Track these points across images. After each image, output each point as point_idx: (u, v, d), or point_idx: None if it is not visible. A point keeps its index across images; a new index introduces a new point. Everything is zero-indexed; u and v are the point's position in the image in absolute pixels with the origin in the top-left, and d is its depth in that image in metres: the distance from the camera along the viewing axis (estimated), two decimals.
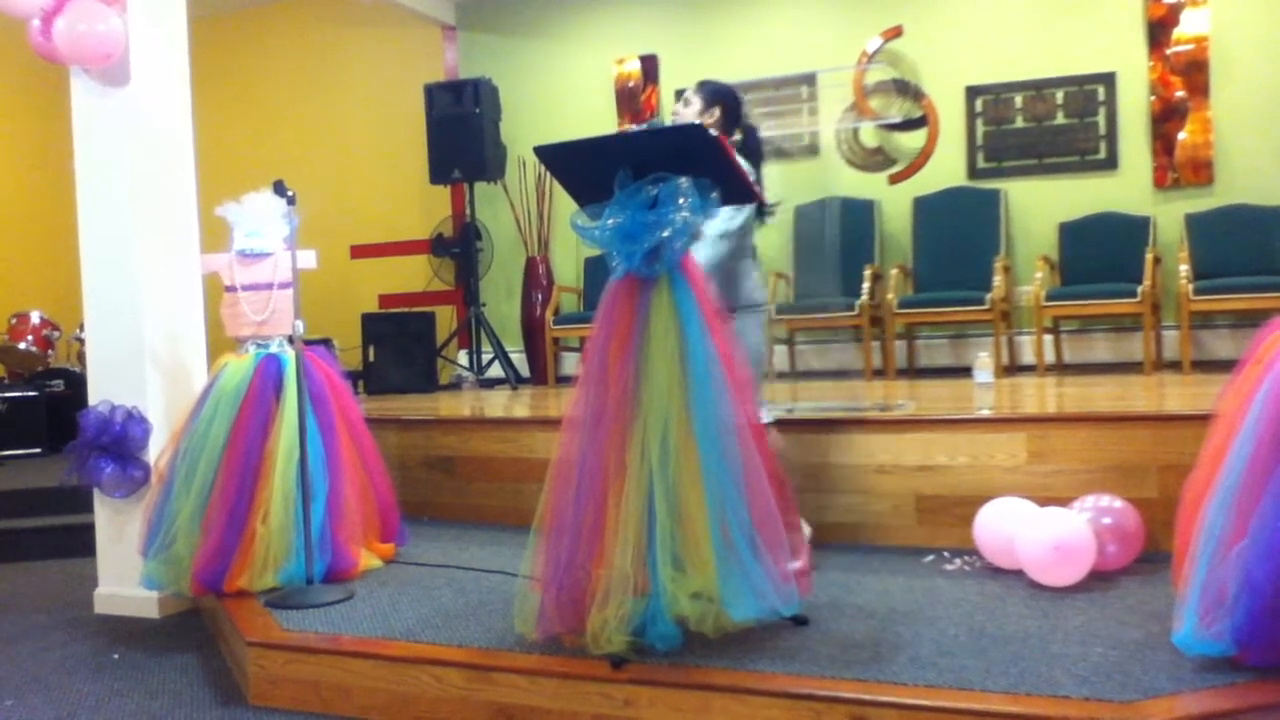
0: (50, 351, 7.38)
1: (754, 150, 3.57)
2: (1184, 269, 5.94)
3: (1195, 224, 6.22)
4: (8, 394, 6.93)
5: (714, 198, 2.87)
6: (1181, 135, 6.40)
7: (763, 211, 3.53)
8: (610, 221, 2.83)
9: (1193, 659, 2.46)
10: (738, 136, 3.58)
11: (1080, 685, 2.42)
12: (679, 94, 3.72)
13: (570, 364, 7.50)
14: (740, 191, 3.05)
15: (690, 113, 3.57)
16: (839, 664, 2.64)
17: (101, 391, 4.08)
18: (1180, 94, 6.39)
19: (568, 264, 7.80)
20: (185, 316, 4.25)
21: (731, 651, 2.70)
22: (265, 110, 8.76)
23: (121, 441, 3.97)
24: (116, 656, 3.59)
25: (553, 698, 2.72)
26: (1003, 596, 3.22)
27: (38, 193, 7.78)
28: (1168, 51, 6.41)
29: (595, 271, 7.35)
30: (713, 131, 2.93)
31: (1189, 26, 6.36)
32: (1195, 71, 6.35)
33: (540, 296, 7.70)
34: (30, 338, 7.26)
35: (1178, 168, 6.42)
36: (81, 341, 6.88)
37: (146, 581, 3.84)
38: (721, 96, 3.59)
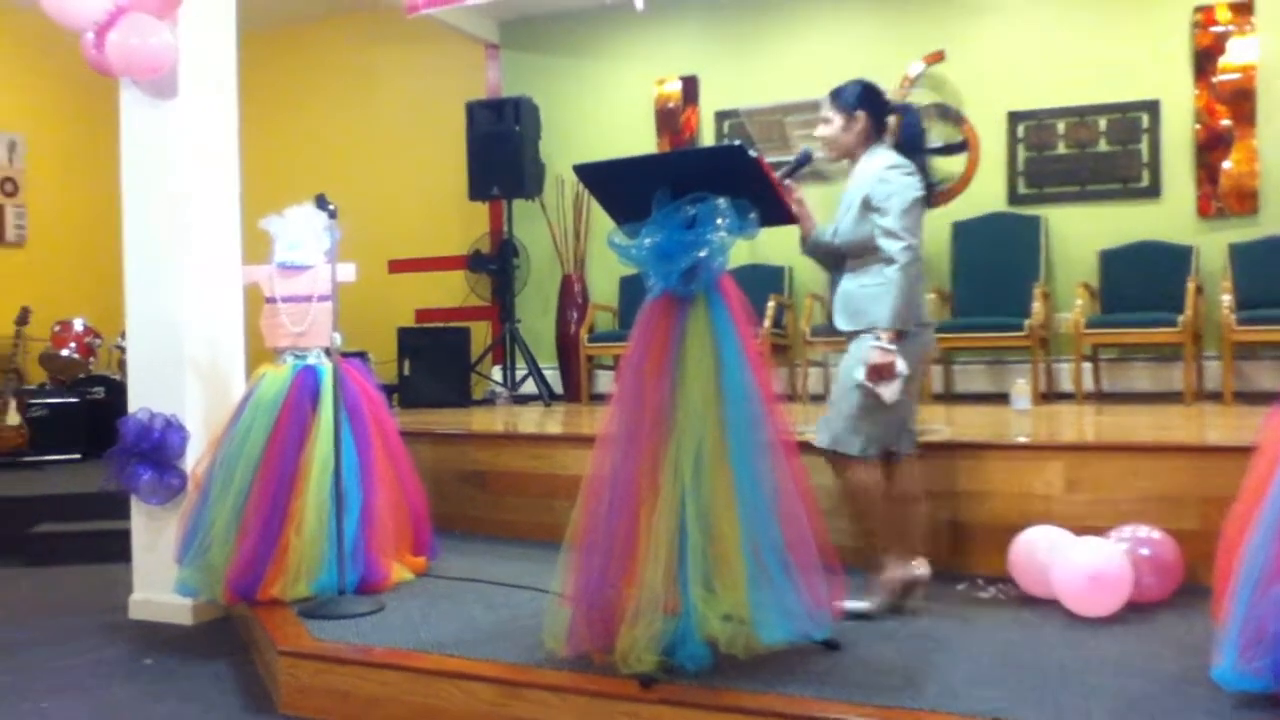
0: (92, 359, 7.49)
1: (914, 136, 3.38)
2: (1226, 299, 5.87)
3: (1239, 254, 6.14)
4: (49, 400, 7.04)
5: (752, 219, 2.87)
6: (1226, 164, 6.33)
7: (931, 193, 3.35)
8: (647, 240, 2.84)
9: (1232, 695, 2.41)
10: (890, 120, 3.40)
11: (1115, 719, 2.38)
12: (721, 115, 3.61)
13: (604, 382, 7.50)
14: (779, 213, 3.05)
15: (832, 129, 3.36)
16: (869, 690, 2.61)
17: (141, 399, 4.13)
18: (1226, 123, 6.33)
19: (604, 282, 7.82)
20: (225, 326, 4.29)
21: (762, 674, 2.68)
22: (309, 124, 8.86)
23: (160, 449, 4.01)
24: (149, 662, 3.62)
25: (581, 715, 2.71)
26: (1037, 626, 3.18)
27: (84, 202, 7.91)
28: (1214, 80, 6.35)
29: (631, 290, 7.36)
30: (752, 152, 2.93)
31: (1236, 55, 6.30)
32: (1241, 100, 6.29)
33: (575, 314, 7.73)
34: (73, 345, 7.38)
35: (1222, 197, 6.35)
36: (122, 349, 6.96)
37: (181, 588, 3.87)
38: (861, 98, 3.34)
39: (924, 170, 3.31)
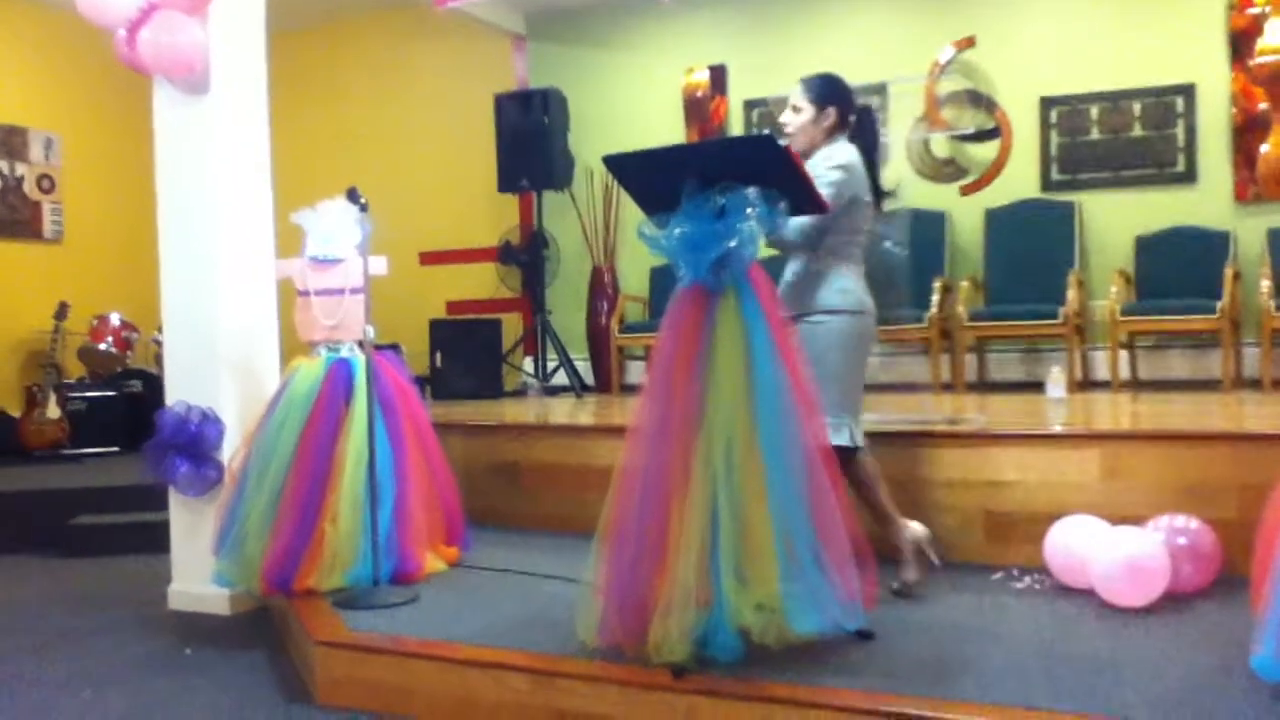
0: (129, 353, 7.59)
1: (868, 133, 3.48)
2: (1265, 285, 5.79)
3: (1278, 239, 6.05)
4: (88, 393, 7.14)
5: (781, 208, 2.86)
6: (1264, 148, 6.23)
7: (880, 200, 3.49)
8: (677, 231, 2.84)
9: (1272, 685, 2.39)
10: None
11: (1153, 711, 2.36)
12: (750, 104, 3.64)
13: (635, 373, 7.51)
14: (809, 203, 3.04)
15: (803, 118, 3.43)
16: (903, 680, 2.60)
17: (178, 392, 4.17)
18: (1263, 106, 6.23)
19: (634, 273, 7.82)
20: (259, 320, 4.33)
21: (795, 665, 2.67)
22: (340, 119, 8.91)
23: (196, 441, 4.05)
24: (189, 652, 3.67)
25: (614, 705, 2.72)
26: (1073, 616, 3.15)
27: (119, 198, 8.00)
28: (1250, 63, 6.26)
29: (662, 281, 7.36)
30: (781, 141, 2.92)
31: (1273, 37, 6.20)
32: (1279, 83, 6.19)
33: (606, 305, 7.73)
34: (110, 339, 7.48)
35: (1259, 181, 6.26)
36: (159, 343, 7.04)
37: (218, 579, 3.91)
38: (833, 92, 3.44)
39: (875, 174, 3.42)
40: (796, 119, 3.44)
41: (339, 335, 4.05)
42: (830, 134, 3.42)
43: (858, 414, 3.44)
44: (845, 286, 3.35)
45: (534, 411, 6.17)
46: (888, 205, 3.65)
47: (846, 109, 3.45)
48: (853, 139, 3.42)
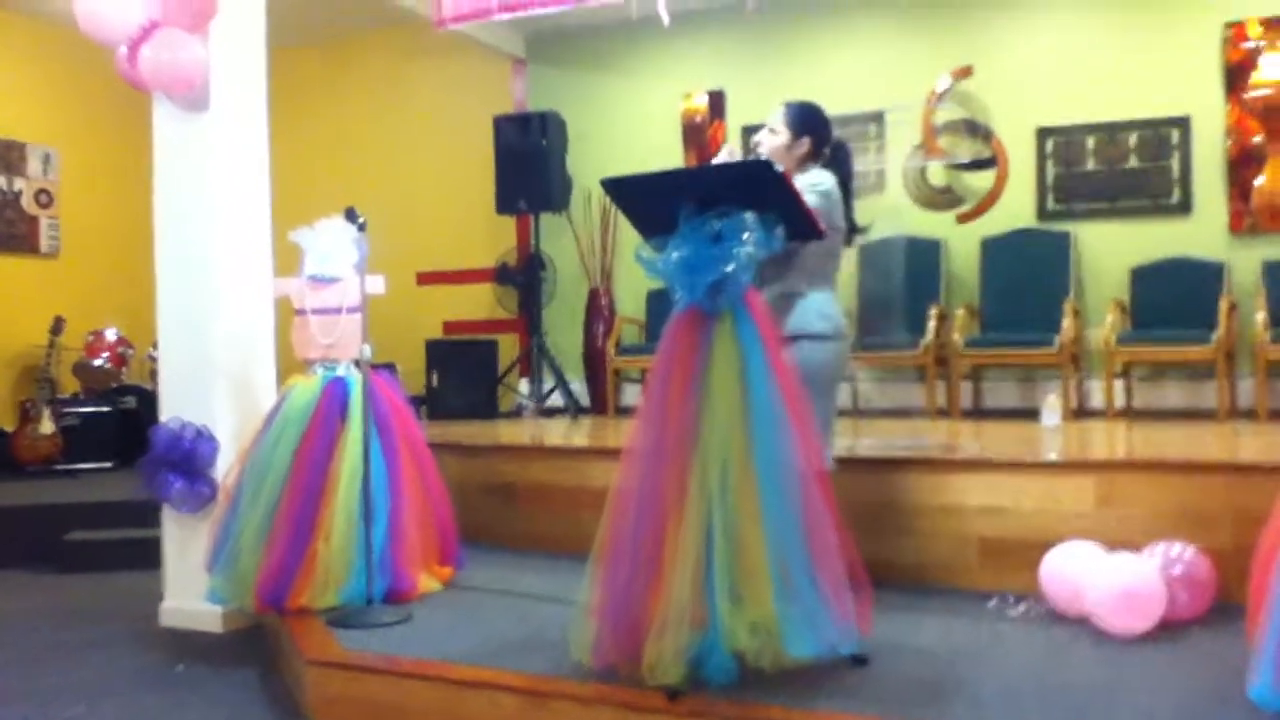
0: (124, 368, 7.58)
1: (843, 165, 3.52)
2: (1260, 316, 5.81)
3: (1273, 271, 6.08)
4: (82, 409, 7.13)
5: (778, 233, 2.87)
6: (1258, 180, 6.27)
7: (852, 234, 3.54)
8: (674, 254, 2.85)
9: (1270, 716, 2.38)
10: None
11: None
12: (748, 130, 3.67)
13: (631, 395, 7.51)
14: (805, 227, 3.05)
15: (778, 141, 3.49)
16: (898, 705, 2.60)
17: (172, 408, 4.17)
18: (1257, 139, 6.28)
19: (631, 296, 7.83)
20: (256, 338, 4.33)
21: (789, 688, 2.67)
22: (339, 138, 8.94)
23: (190, 458, 4.05)
24: (180, 669, 3.65)
25: None
26: (1068, 644, 3.15)
27: (117, 214, 8.01)
28: (1245, 95, 6.31)
29: (658, 304, 7.37)
30: (779, 167, 2.94)
31: (1269, 71, 6.25)
32: (1273, 116, 6.24)
33: (602, 327, 7.74)
34: (105, 354, 7.47)
35: (1254, 213, 6.29)
36: (154, 359, 7.05)
37: (211, 596, 3.90)
38: (811, 123, 3.51)
39: (849, 206, 3.45)
40: (771, 141, 3.50)
41: (335, 354, 4.05)
42: (802, 162, 3.47)
43: (831, 437, 3.46)
44: (825, 311, 3.37)
45: (529, 432, 6.16)
46: (859, 240, 3.69)
47: (822, 141, 3.51)
48: (826, 168, 3.46)
